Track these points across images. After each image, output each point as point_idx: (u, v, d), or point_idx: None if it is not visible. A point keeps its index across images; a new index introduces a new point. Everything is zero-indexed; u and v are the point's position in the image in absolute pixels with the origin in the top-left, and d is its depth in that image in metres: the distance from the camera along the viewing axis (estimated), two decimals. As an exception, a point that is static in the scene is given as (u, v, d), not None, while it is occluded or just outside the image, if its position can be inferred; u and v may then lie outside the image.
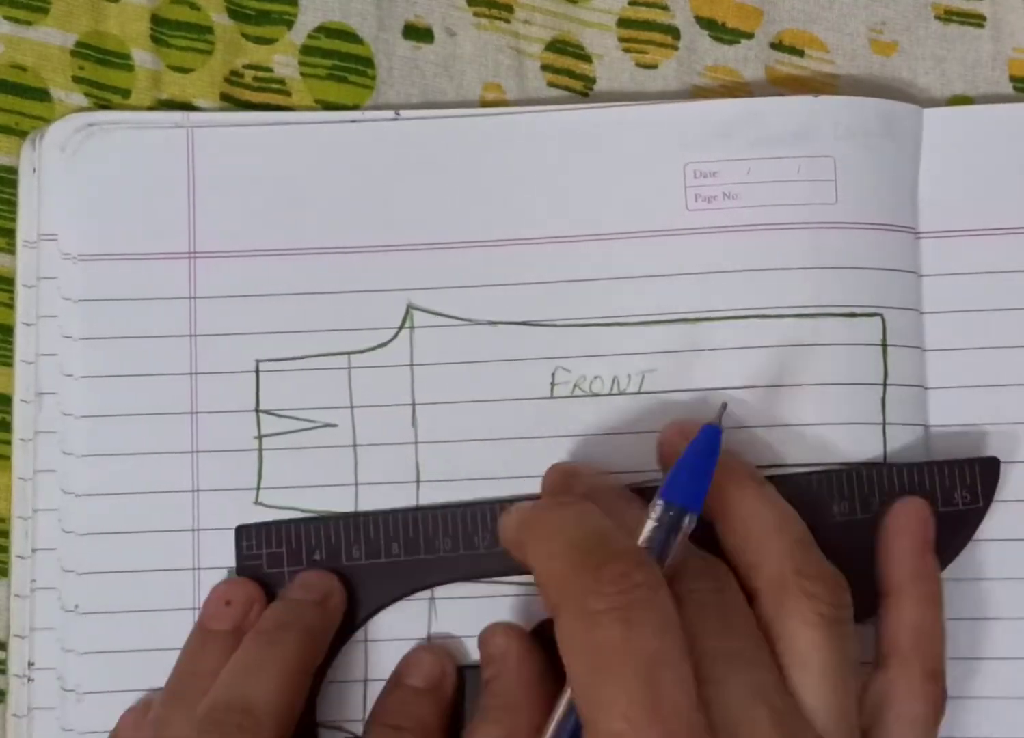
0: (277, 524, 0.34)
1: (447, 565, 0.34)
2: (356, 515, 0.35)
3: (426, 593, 0.34)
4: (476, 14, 0.38)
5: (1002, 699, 0.35)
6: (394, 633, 0.35)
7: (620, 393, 0.35)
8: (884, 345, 0.35)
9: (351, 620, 0.34)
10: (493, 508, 0.34)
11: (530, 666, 0.31)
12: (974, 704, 0.34)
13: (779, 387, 0.34)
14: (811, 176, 0.35)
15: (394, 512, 0.34)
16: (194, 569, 0.35)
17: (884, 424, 0.35)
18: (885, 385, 0.35)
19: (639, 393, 0.35)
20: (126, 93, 0.37)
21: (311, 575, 0.34)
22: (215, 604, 0.33)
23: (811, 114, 0.35)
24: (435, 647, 0.34)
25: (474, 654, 0.34)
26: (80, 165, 0.36)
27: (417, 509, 0.35)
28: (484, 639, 0.33)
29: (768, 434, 0.34)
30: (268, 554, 0.34)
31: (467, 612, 0.34)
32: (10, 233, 0.37)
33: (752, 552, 0.30)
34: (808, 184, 0.35)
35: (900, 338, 0.35)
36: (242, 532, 0.34)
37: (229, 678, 0.31)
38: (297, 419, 0.35)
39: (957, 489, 0.33)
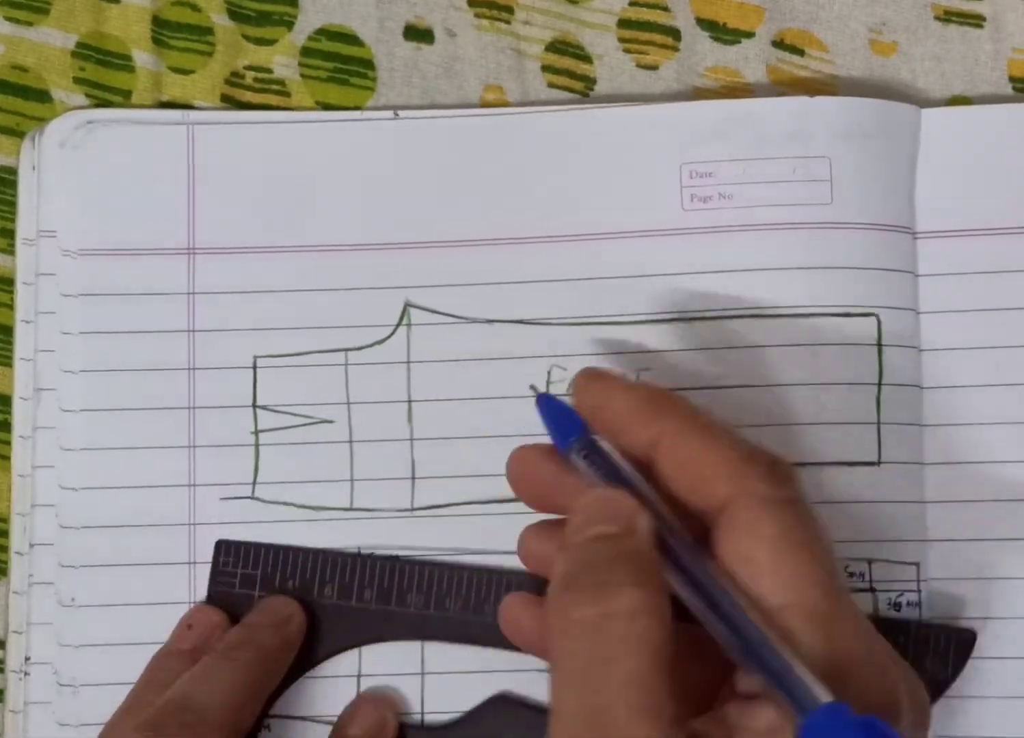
0: (256, 546, 0.36)
1: (415, 621, 0.35)
2: (335, 554, 0.36)
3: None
4: (477, 15, 0.39)
5: (1002, 699, 0.36)
6: (388, 669, 0.36)
7: None
8: (879, 345, 0.36)
9: (311, 655, 0.35)
10: (468, 574, 0.35)
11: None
12: (974, 704, 0.36)
13: (773, 386, 0.36)
14: (806, 176, 0.36)
15: (373, 558, 0.36)
16: (190, 563, 0.36)
17: (879, 423, 0.36)
18: (880, 385, 0.36)
19: (634, 391, 0.36)
20: (127, 94, 0.39)
21: (272, 600, 0.35)
22: (179, 628, 0.35)
23: (807, 115, 0.37)
24: (376, 698, 0.36)
25: (413, 705, 0.36)
26: (80, 161, 0.37)
27: (396, 560, 0.36)
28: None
29: (762, 433, 0.35)
30: (242, 574, 0.36)
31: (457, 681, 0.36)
32: (10, 234, 0.38)
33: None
34: (803, 184, 0.36)
35: (895, 338, 0.36)
36: (221, 548, 0.36)
37: (179, 686, 0.33)
38: (294, 415, 0.37)
39: (928, 654, 0.35)
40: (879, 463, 0.36)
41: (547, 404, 0.31)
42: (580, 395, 0.31)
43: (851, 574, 0.35)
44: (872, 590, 0.35)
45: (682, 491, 0.29)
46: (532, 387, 0.32)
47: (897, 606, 0.36)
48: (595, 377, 0.31)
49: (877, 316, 0.36)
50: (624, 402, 0.30)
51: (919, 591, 0.36)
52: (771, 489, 0.28)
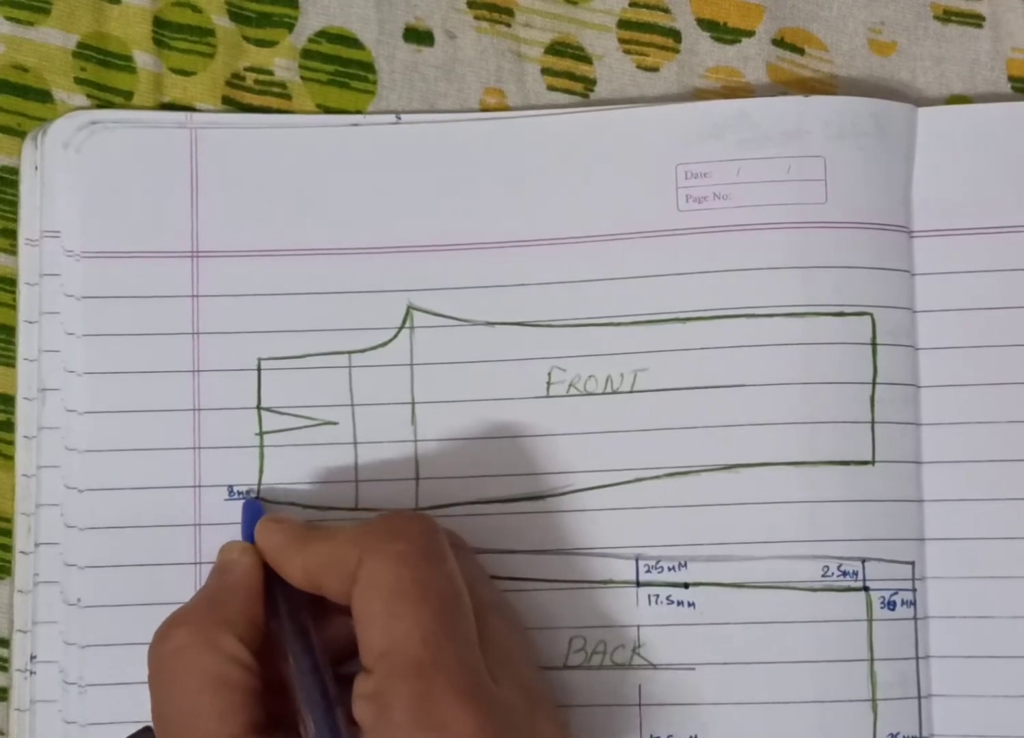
0: None
1: None
2: None
3: None
4: (476, 17, 0.41)
5: (1000, 698, 0.37)
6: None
7: (614, 392, 0.38)
8: (874, 344, 0.37)
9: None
10: None
11: (249, 582, 0.34)
12: (973, 704, 0.37)
13: (768, 385, 0.37)
14: (801, 176, 0.38)
15: None
16: (196, 564, 0.37)
17: (873, 423, 0.37)
18: (874, 384, 0.37)
19: (632, 392, 0.38)
20: (128, 95, 0.40)
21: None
22: None
23: (801, 114, 0.38)
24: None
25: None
26: (83, 162, 0.39)
27: None
28: (222, 548, 0.36)
29: (756, 432, 0.37)
30: None
31: None
32: (12, 234, 0.39)
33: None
34: (798, 184, 0.38)
35: (891, 337, 0.38)
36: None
37: None
38: (298, 416, 0.38)
39: None
40: (873, 462, 0.37)
41: (248, 511, 0.37)
42: (260, 546, 0.35)
43: (844, 573, 0.37)
44: (865, 589, 0.37)
45: (329, 589, 0.32)
46: (244, 493, 0.37)
47: (892, 605, 0.37)
48: (262, 524, 0.35)
49: (872, 315, 0.38)
50: (277, 542, 0.34)
51: (914, 590, 0.37)
52: (387, 544, 0.31)
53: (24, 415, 0.39)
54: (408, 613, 0.30)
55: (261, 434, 0.38)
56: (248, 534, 0.35)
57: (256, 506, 0.37)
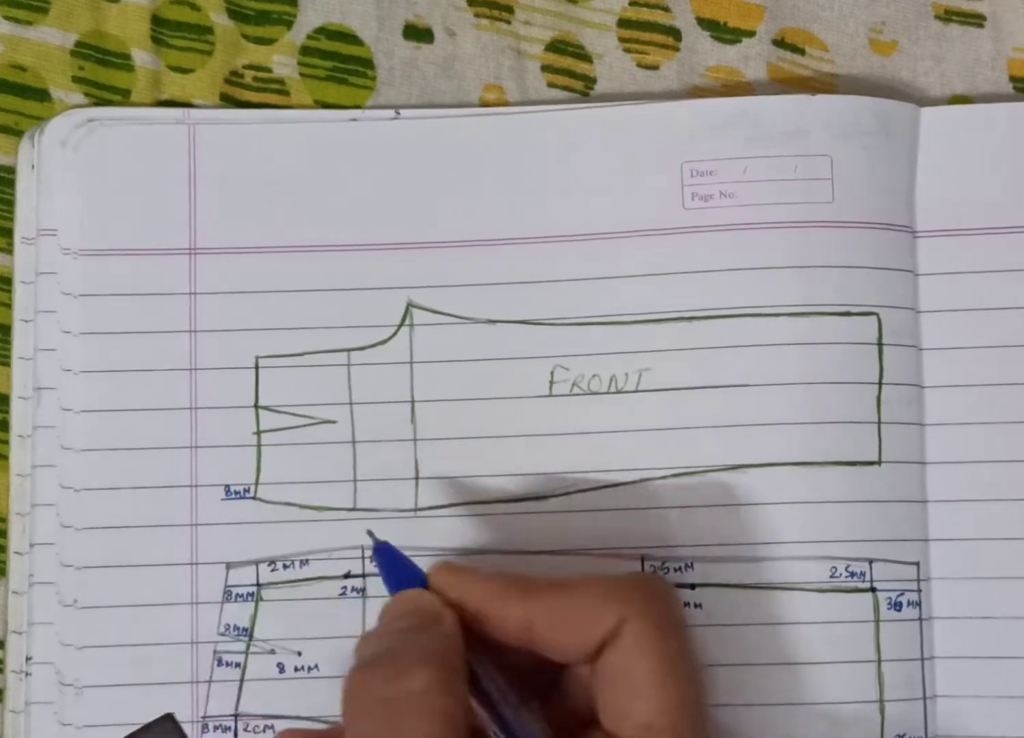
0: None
1: None
2: None
3: None
4: (476, 14, 0.40)
5: (1001, 699, 0.37)
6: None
7: (618, 391, 0.37)
8: (880, 344, 0.37)
9: None
10: None
11: (458, 631, 0.32)
12: (974, 704, 0.37)
13: (774, 385, 0.37)
14: (807, 175, 0.37)
15: None
16: (192, 564, 0.37)
17: (879, 423, 0.37)
18: (880, 384, 0.37)
19: (636, 391, 0.37)
20: (126, 93, 0.40)
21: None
22: None
23: (807, 113, 0.38)
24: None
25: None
26: (81, 160, 0.38)
27: None
28: (405, 596, 0.33)
29: (762, 433, 0.37)
30: None
31: None
32: (8, 232, 0.39)
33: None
34: (804, 183, 0.37)
35: (896, 337, 0.37)
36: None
37: None
38: (296, 415, 0.38)
39: None
40: (879, 463, 0.37)
41: (386, 554, 0.34)
42: (438, 591, 0.32)
43: (852, 574, 0.36)
44: (873, 590, 0.36)
45: (561, 644, 0.31)
46: (369, 532, 0.34)
47: (898, 605, 0.37)
48: (450, 572, 0.33)
49: (878, 315, 0.37)
50: (483, 592, 0.32)
51: (919, 590, 0.37)
52: (653, 608, 0.30)
53: (19, 414, 0.38)
54: (676, 685, 0.30)
55: (259, 433, 0.38)
56: (393, 579, 0.33)
57: (390, 549, 0.34)
